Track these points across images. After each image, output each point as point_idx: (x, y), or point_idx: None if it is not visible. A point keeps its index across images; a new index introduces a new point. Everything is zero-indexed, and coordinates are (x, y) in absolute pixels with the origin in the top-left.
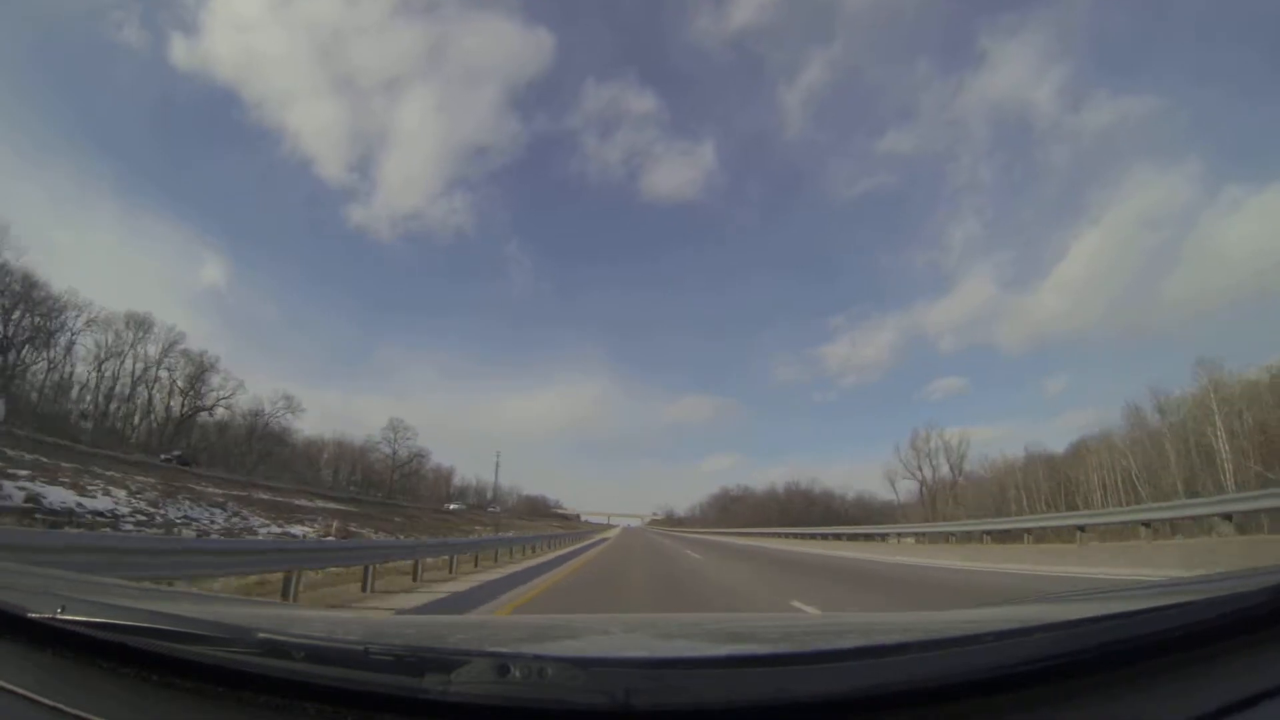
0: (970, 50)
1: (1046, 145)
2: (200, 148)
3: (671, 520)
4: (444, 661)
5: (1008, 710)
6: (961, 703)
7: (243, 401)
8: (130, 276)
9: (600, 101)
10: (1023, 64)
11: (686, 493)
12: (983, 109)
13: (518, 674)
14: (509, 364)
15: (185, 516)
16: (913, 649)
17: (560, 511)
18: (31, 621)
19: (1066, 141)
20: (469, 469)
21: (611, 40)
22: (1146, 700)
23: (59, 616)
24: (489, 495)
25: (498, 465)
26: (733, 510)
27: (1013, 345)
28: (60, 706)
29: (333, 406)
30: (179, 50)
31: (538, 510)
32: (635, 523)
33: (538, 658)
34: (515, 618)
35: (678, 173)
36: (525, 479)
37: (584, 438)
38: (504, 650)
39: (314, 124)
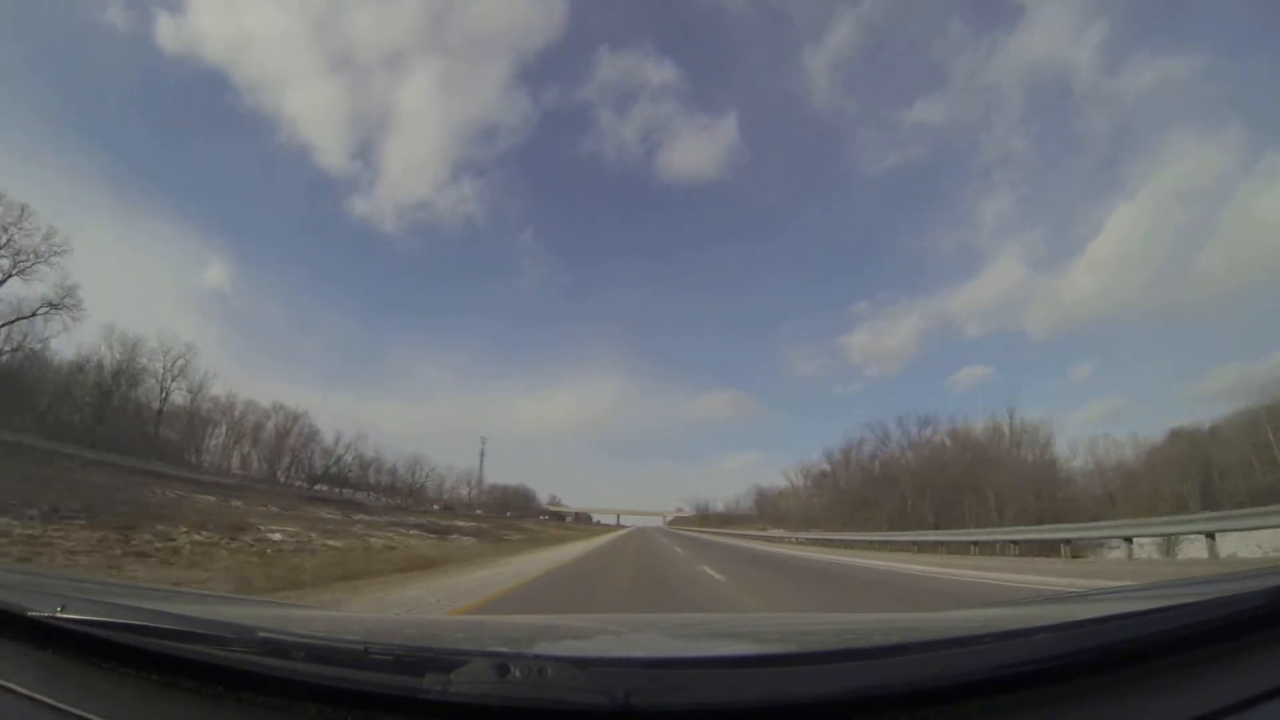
0: (1005, 7)
1: (1083, 113)
2: (195, 139)
3: (705, 518)
4: (444, 661)
5: (1009, 711)
6: (963, 703)
7: None
8: (132, 280)
9: (615, 72)
10: (1060, 22)
11: (711, 489)
12: (1017, 73)
13: (518, 674)
14: (522, 364)
15: None
16: (914, 649)
17: (555, 509)
18: (32, 620)
19: (1103, 108)
20: (487, 473)
21: (626, 2)
22: (1148, 701)
23: (59, 615)
24: (418, 479)
25: (482, 454)
26: (839, 492)
27: (1041, 330)
28: (60, 706)
29: (343, 410)
30: (166, 31)
31: (509, 505)
32: (655, 521)
33: (538, 658)
34: (515, 618)
35: (698, 149)
36: (533, 478)
37: (598, 436)
38: (504, 650)
39: (313, 108)
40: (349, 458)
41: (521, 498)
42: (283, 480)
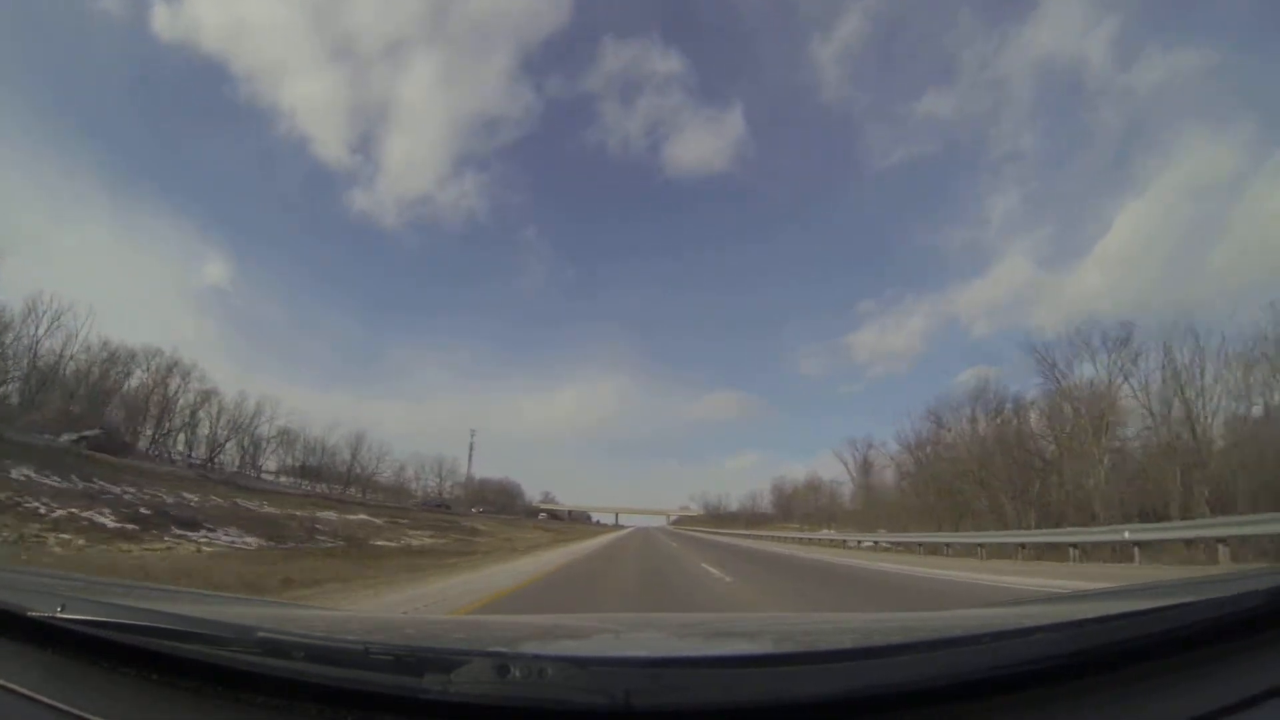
0: None
1: (1093, 107)
2: (192, 130)
3: (718, 517)
4: (444, 661)
5: (1009, 710)
6: (962, 703)
7: None
8: (129, 277)
9: (620, 62)
10: (1072, 14)
11: (714, 489)
12: (1027, 67)
13: (518, 674)
14: (524, 364)
15: None
16: (913, 649)
17: (545, 507)
18: (32, 620)
19: (1114, 103)
20: (484, 473)
21: None
22: (1148, 700)
23: (59, 615)
24: (367, 464)
25: (471, 447)
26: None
27: (1048, 330)
28: (60, 706)
29: (344, 410)
30: (161, 18)
31: (486, 501)
32: (658, 521)
33: (538, 658)
34: (515, 618)
35: (703, 143)
36: (533, 478)
37: (599, 436)
38: (504, 650)
39: (312, 99)
40: (267, 429)
41: (506, 494)
42: (146, 449)
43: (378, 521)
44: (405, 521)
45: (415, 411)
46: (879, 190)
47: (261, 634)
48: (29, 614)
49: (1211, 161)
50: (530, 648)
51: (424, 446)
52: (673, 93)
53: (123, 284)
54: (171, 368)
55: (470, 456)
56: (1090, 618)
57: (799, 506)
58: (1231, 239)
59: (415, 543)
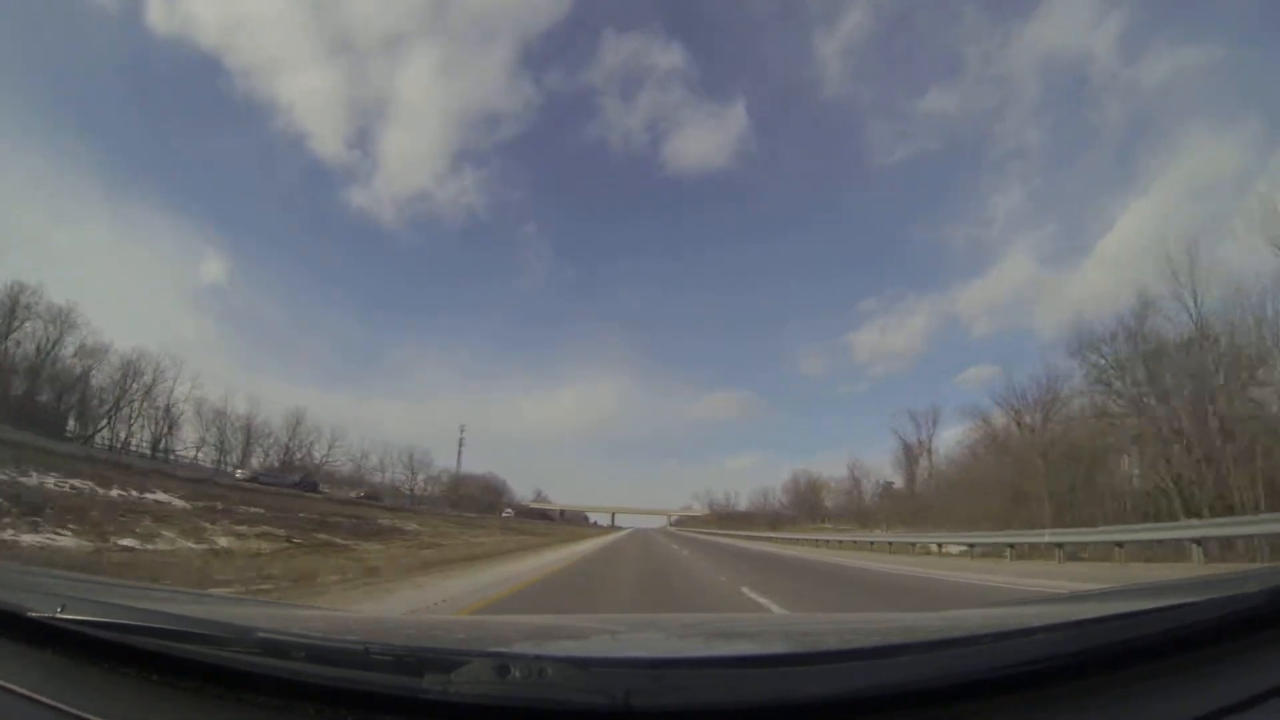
0: None
1: (1097, 105)
2: (190, 129)
3: (726, 517)
4: (444, 661)
5: (1010, 711)
6: (963, 704)
7: None
8: (125, 275)
9: (621, 56)
10: (1079, 8)
11: (715, 489)
12: (1032, 62)
13: (518, 674)
14: (523, 363)
15: None
16: (914, 650)
17: (537, 506)
18: (32, 620)
19: (1118, 100)
20: (482, 472)
21: None
22: (1148, 701)
23: (59, 615)
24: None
25: (461, 443)
26: None
27: (1049, 329)
28: (60, 706)
29: (345, 409)
30: (157, 13)
31: (470, 498)
32: (659, 521)
33: (538, 658)
34: (515, 618)
35: (705, 140)
36: (531, 478)
37: (598, 436)
38: (504, 650)
39: (310, 94)
40: (166, 398)
41: (490, 490)
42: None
43: (181, 505)
44: (256, 511)
45: (415, 411)
46: (881, 188)
47: (261, 634)
48: (29, 614)
49: (1215, 160)
50: (530, 648)
51: (423, 445)
52: (674, 88)
53: (121, 283)
54: (33, 307)
55: (460, 453)
56: (1091, 618)
57: (819, 503)
58: (1235, 237)
59: (170, 548)
